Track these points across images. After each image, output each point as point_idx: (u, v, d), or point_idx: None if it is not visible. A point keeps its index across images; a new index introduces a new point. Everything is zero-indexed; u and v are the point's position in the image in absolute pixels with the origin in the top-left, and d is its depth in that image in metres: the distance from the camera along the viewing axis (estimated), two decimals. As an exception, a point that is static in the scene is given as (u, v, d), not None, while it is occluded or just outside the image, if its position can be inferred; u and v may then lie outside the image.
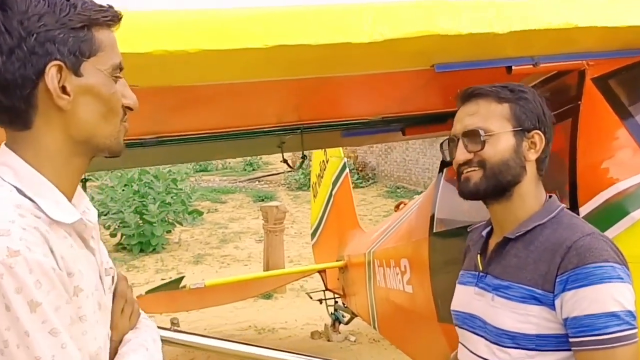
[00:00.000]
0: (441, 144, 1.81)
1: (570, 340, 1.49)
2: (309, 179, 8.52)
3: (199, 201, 15.18)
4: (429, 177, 15.08)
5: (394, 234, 4.42)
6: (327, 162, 6.68)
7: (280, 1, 2.17)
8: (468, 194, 1.69)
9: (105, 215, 11.60)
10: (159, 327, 2.18)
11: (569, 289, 1.48)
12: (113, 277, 1.38)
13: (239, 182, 20.15)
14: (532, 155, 1.66)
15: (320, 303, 6.58)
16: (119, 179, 11.84)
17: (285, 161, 3.51)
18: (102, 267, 1.28)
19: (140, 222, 10.98)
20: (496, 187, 1.65)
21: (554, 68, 2.38)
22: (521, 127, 1.65)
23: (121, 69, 1.22)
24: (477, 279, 1.72)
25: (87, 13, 1.15)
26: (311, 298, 6.69)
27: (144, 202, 11.08)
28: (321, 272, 6.42)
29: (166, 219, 11.38)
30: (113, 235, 11.43)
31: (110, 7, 1.20)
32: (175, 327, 1.85)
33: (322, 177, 6.98)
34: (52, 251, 1.07)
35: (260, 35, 1.92)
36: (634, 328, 1.46)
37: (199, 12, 1.97)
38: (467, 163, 1.67)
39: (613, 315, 1.44)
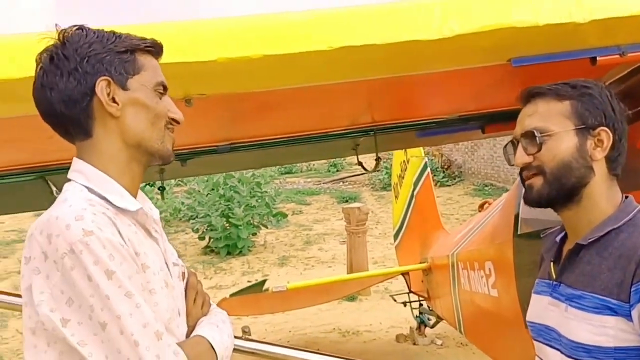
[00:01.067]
0: (504, 148, 1.70)
1: None
2: (393, 179, 8.39)
3: (284, 203, 15.34)
4: (518, 172, 14.59)
5: (478, 236, 4.28)
6: (407, 162, 6.57)
7: (343, 1, 2.11)
8: (533, 203, 1.58)
9: (194, 219, 11.91)
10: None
11: None
12: (184, 273, 1.60)
13: (323, 183, 20.25)
14: (599, 154, 1.53)
15: (405, 306, 6.48)
16: (205, 183, 12.11)
17: (360, 164, 3.46)
18: (167, 255, 1.51)
19: (227, 225, 11.19)
20: (560, 192, 1.53)
21: (643, 57, 2.20)
22: (584, 124, 1.52)
23: (165, 88, 1.45)
24: (551, 288, 1.60)
25: (129, 41, 1.41)
26: (395, 301, 6.60)
27: (230, 206, 11.29)
28: (405, 274, 6.32)
29: (251, 221, 11.54)
30: (201, 238, 11.71)
31: (152, 39, 1.45)
32: (247, 336, 1.82)
33: (403, 178, 6.86)
34: (119, 232, 1.30)
35: (324, 37, 1.88)
36: None
37: (261, 17, 1.94)
38: (527, 167, 1.56)
39: None
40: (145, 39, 1.44)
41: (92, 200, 1.33)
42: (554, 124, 1.53)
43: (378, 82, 2.31)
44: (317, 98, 2.46)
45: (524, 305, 3.13)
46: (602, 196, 1.54)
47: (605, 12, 1.96)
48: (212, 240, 11.40)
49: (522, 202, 3.25)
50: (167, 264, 1.47)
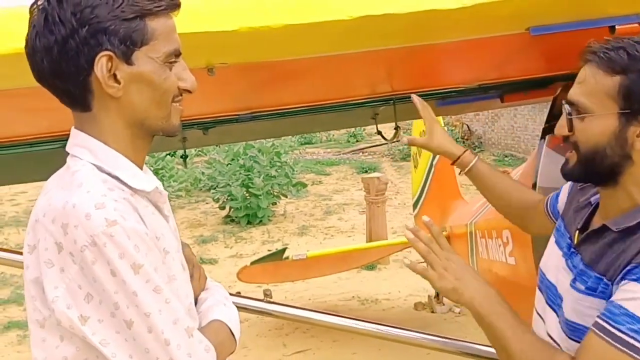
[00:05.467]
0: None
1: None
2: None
3: (304, 173, 15.37)
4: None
5: (496, 205, 4.30)
6: (427, 132, 6.56)
7: (364, -30, 2.13)
8: (565, 177, 1.54)
9: (214, 188, 12.02)
10: (253, 299, 2.26)
11: (624, 279, 1.33)
12: None
13: (343, 153, 20.22)
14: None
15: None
16: (226, 153, 12.18)
17: (379, 132, 3.48)
18: (177, 233, 1.38)
19: (247, 195, 11.27)
20: (590, 175, 1.45)
21: (664, 26, 2.20)
22: (630, 109, 1.35)
23: (178, 55, 1.25)
24: (570, 253, 1.55)
25: (140, 4, 1.18)
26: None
27: (250, 176, 11.35)
28: (423, 243, 6.35)
29: (271, 191, 11.61)
30: (222, 208, 11.82)
31: None
32: (268, 298, 1.88)
33: (422, 148, 6.87)
34: (142, 218, 1.18)
35: (344, 6, 1.90)
36: None
37: (282, -13, 1.97)
38: (565, 140, 1.47)
39: (638, 320, 1.27)
40: None
41: (108, 182, 1.19)
42: (595, 103, 1.38)
43: (397, 51, 2.32)
44: (337, 67, 2.49)
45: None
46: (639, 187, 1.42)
47: (625, -20, 1.96)
48: (232, 209, 11.49)
49: (539, 171, 3.28)
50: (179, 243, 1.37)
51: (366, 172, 15.68)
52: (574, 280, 1.47)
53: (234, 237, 10.59)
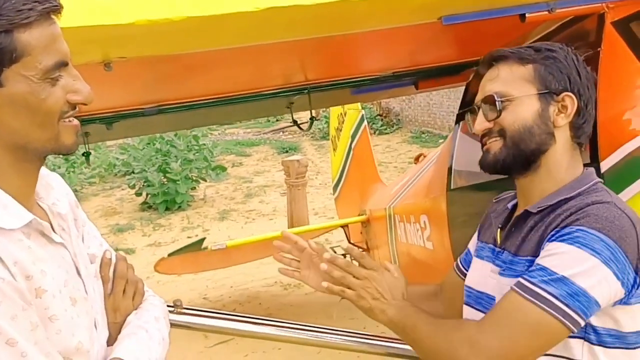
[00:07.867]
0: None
1: None
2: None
3: (224, 155, 15.16)
4: (454, 120, 14.84)
5: (413, 189, 4.33)
6: (345, 114, 6.55)
7: (269, -41, 2.03)
8: (487, 167, 1.53)
9: (130, 174, 11.67)
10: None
11: (545, 243, 1.37)
12: (110, 259, 1.38)
13: (263, 133, 20.11)
14: (562, 121, 1.46)
15: (344, 257, 6.53)
16: (140, 138, 11.81)
17: (295, 122, 3.41)
18: (78, 258, 1.24)
19: (165, 180, 11.00)
20: (518, 157, 1.47)
21: (571, 13, 2.22)
22: (547, 89, 1.45)
23: (64, 65, 1.09)
24: (495, 255, 1.55)
25: (5, 16, 1.01)
26: (335, 252, 6.64)
27: (167, 160, 11.09)
28: (344, 226, 6.36)
29: (189, 176, 11.38)
30: (138, 194, 11.51)
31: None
32: (179, 309, 1.77)
33: (340, 131, 6.85)
34: (1, 260, 1.03)
35: (250, -3, 1.80)
36: (566, 305, 1.29)
37: (183, -24, 1.85)
38: (488, 133, 1.50)
39: (552, 275, 1.30)
40: (27, 5, 1.03)
41: None
42: (515, 88, 1.46)
43: (310, 41, 2.26)
44: (248, 58, 2.40)
45: (457, 258, 3.22)
46: (561, 166, 1.48)
47: (534, -31, 1.95)
48: (149, 196, 11.18)
49: (455, 155, 3.30)
50: (78, 272, 1.22)
51: (287, 152, 15.63)
52: (501, 273, 1.49)
53: (151, 224, 10.32)
